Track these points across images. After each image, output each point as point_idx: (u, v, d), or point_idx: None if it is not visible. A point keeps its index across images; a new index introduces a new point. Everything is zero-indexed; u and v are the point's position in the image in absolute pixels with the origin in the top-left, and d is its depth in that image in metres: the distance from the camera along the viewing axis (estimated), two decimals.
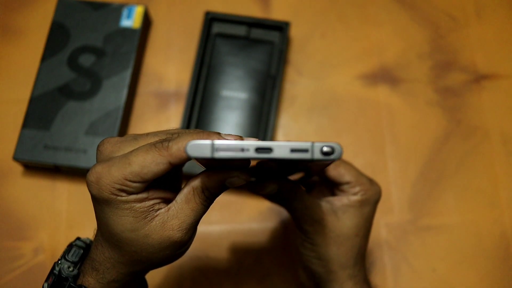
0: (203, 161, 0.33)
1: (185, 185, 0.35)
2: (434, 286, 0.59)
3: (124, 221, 0.33)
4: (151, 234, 0.34)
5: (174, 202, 0.35)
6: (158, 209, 0.34)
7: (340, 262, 0.44)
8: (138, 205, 0.33)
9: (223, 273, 0.59)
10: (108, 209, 0.33)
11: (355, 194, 0.44)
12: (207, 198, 0.35)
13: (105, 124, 0.60)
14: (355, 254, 0.45)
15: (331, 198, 0.45)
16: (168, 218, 0.34)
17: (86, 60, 0.62)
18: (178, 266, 0.58)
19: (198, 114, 0.62)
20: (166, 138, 0.34)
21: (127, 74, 0.62)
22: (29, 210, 0.60)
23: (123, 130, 0.62)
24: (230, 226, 0.61)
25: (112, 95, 0.61)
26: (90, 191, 0.33)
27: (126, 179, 0.32)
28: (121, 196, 0.33)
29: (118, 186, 0.32)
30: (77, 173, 0.61)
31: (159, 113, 0.64)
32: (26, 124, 0.60)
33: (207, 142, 0.29)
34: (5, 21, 0.68)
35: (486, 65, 0.67)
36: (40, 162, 0.58)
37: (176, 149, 0.32)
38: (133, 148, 0.34)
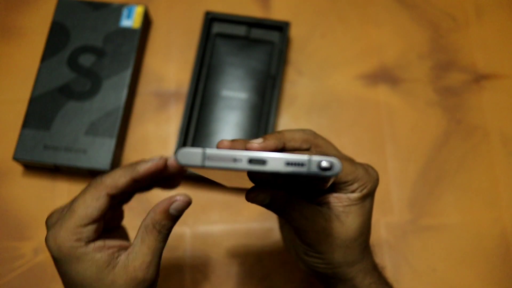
0: (201, 171, 0.32)
1: (139, 226, 0.38)
2: (434, 286, 0.59)
3: (89, 273, 0.36)
4: (116, 279, 0.36)
5: (132, 245, 0.37)
6: (119, 256, 0.37)
7: (348, 262, 0.44)
8: (99, 255, 0.36)
9: (223, 273, 0.59)
10: (72, 266, 0.36)
11: (353, 191, 0.42)
12: (160, 232, 0.37)
13: (105, 124, 0.60)
14: (362, 249, 0.44)
15: (331, 199, 0.43)
16: (129, 261, 0.36)
17: (86, 60, 0.62)
18: (178, 266, 0.58)
19: (198, 114, 0.62)
20: (100, 175, 0.37)
21: (127, 74, 0.62)
22: (29, 210, 0.60)
23: (123, 130, 0.62)
24: (230, 226, 0.61)
25: (112, 95, 0.61)
26: (52, 255, 0.36)
27: (78, 226, 0.35)
28: (80, 246, 0.35)
29: (74, 237, 0.35)
30: (77, 173, 0.61)
31: (159, 113, 0.64)
32: (26, 124, 0.60)
33: (198, 150, 0.28)
34: (5, 21, 0.68)
35: (486, 65, 0.67)
36: (40, 162, 0.58)
37: (110, 180, 0.36)
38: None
